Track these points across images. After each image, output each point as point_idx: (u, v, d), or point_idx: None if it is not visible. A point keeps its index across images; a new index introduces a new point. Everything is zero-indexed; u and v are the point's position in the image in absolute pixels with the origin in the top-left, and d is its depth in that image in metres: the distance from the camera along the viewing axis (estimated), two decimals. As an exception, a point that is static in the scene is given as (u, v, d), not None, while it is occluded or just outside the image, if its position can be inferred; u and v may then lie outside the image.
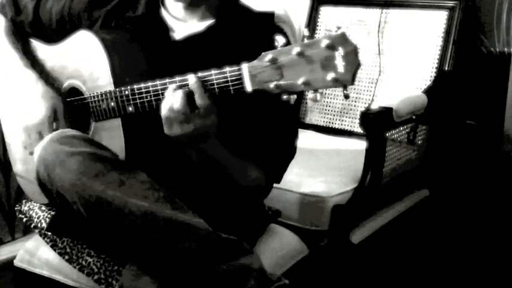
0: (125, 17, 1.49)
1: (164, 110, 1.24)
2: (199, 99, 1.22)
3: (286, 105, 1.16)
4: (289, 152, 1.46)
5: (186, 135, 1.24)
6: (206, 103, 1.22)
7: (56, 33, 1.55)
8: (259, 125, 1.39)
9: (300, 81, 1.11)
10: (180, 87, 1.24)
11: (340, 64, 1.09)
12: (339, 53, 1.08)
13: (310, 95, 1.13)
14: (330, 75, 1.09)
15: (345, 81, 1.09)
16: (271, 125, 1.40)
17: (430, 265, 2.33)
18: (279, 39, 1.14)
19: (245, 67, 1.17)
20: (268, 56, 1.14)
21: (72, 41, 1.47)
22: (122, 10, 1.50)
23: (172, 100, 1.23)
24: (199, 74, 1.22)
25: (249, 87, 1.17)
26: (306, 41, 1.11)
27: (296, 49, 1.11)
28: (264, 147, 1.40)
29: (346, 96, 1.11)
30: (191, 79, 1.22)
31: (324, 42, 1.09)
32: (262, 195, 1.51)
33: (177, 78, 1.25)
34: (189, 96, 1.22)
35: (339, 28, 1.09)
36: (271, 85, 1.15)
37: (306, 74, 1.11)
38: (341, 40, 1.08)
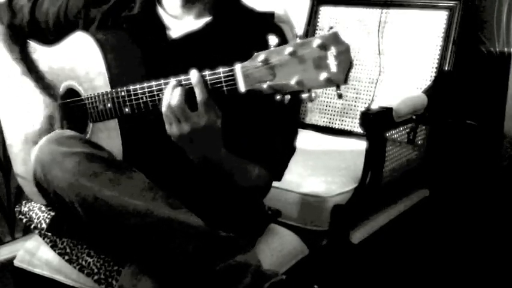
0: (121, 17, 1.48)
1: (163, 107, 1.24)
2: (199, 96, 1.21)
3: (281, 104, 1.15)
4: (288, 149, 1.46)
5: (183, 136, 1.24)
6: (206, 100, 1.21)
7: (53, 34, 1.55)
8: (257, 124, 1.39)
9: (293, 81, 1.11)
10: (180, 84, 1.24)
11: (332, 64, 1.08)
12: (331, 52, 1.08)
13: (304, 95, 1.12)
14: (323, 75, 1.09)
15: (338, 81, 1.09)
16: (268, 123, 1.39)
17: (430, 265, 2.33)
18: (272, 39, 1.14)
19: (238, 67, 1.17)
20: (261, 56, 1.14)
21: (69, 42, 1.47)
22: (119, 10, 1.49)
23: (170, 97, 1.23)
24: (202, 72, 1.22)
25: (242, 87, 1.17)
26: (298, 40, 1.11)
27: (288, 49, 1.11)
28: (264, 146, 1.40)
29: (340, 96, 1.11)
30: (193, 75, 1.22)
31: (316, 42, 1.08)
32: (261, 195, 1.51)
33: (182, 77, 1.24)
34: (188, 93, 1.22)
35: (331, 28, 1.09)
36: (264, 85, 1.14)
37: (298, 74, 1.11)
38: (333, 40, 1.08)
